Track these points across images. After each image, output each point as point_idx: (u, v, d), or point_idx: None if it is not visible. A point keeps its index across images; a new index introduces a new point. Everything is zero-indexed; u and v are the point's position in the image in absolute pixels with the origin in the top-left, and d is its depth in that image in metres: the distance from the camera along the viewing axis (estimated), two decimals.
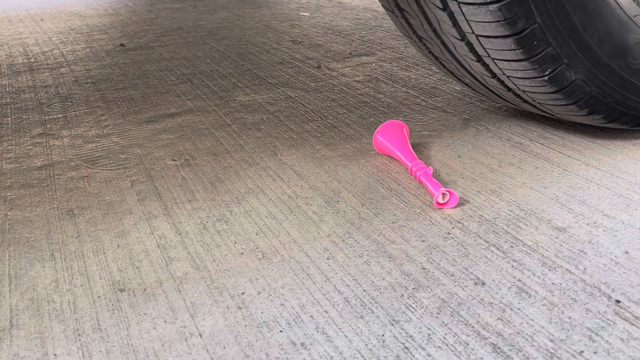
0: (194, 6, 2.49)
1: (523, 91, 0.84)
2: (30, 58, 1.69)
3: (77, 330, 0.56)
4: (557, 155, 0.84)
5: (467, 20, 0.76)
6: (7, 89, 1.39)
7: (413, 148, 0.91)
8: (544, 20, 0.73)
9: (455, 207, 0.73)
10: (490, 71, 0.84)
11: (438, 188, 0.73)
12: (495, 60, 0.80)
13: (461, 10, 0.75)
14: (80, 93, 1.33)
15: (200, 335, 0.54)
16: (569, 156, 0.84)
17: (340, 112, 1.10)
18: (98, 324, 0.57)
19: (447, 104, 1.10)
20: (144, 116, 1.15)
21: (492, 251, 0.63)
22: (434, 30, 0.85)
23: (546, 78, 0.77)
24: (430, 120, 1.02)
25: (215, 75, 1.41)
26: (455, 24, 0.78)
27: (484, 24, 0.74)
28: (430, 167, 0.79)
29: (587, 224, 0.67)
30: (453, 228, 0.68)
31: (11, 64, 1.63)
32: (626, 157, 0.82)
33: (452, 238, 0.66)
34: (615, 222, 0.67)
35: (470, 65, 0.87)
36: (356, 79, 1.31)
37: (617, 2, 0.77)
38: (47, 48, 1.81)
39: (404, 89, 1.21)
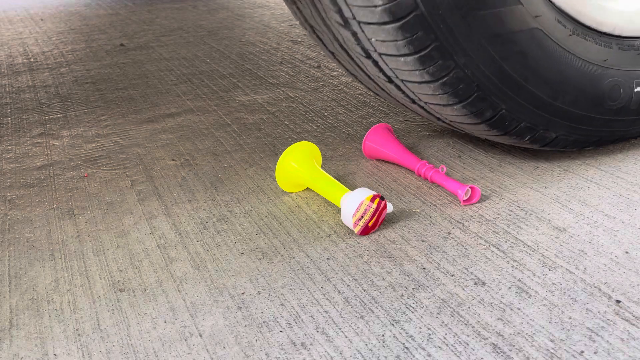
0: (194, 6, 2.49)
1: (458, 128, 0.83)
2: (30, 58, 1.69)
3: (77, 330, 0.56)
4: (557, 155, 0.84)
5: (386, 65, 0.72)
6: (7, 89, 1.39)
7: (414, 148, 0.91)
8: (483, 84, 0.71)
9: (478, 201, 0.73)
10: (410, 99, 0.80)
11: (457, 185, 0.73)
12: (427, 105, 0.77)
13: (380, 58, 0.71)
14: (80, 93, 1.33)
15: (201, 335, 0.54)
16: (569, 156, 0.84)
17: (340, 112, 1.10)
18: (98, 324, 0.57)
19: None
20: (144, 116, 1.15)
21: (492, 251, 0.63)
22: (345, 50, 0.80)
23: (508, 137, 0.77)
24: (430, 120, 1.02)
25: (215, 75, 1.41)
26: (359, 42, 0.73)
27: (406, 72, 0.71)
28: (442, 165, 0.79)
29: (587, 224, 0.67)
30: (453, 228, 0.68)
31: (11, 64, 1.63)
32: (626, 157, 0.82)
33: (452, 238, 0.66)
34: (615, 222, 0.67)
35: (390, 92, 0.83)
36: None
37: (584, 58, 0.74)
38: (47, 48, 1.81)
39: None
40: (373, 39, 0.68)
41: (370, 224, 0.67)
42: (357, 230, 0.67)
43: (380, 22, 0.66)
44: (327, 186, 0.73)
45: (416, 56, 0.67)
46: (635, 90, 0.77)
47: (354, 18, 0.68)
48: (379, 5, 0.64)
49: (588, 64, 0.74)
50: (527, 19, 0.69)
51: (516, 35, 0.69)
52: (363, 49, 0.72)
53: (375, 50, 0.70)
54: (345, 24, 0.70)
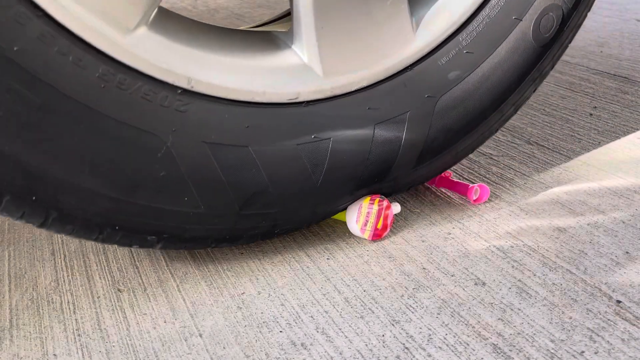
0: (193, 6, 2.49)
1: None
2: None
3: (77, 330, 0.56)
4: (557, 156, 0.84)
5: None
6: None
7: None
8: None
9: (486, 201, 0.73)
10: None
11: (465, 186, 0.73)
12: None
13: None
14: None
15: (201, 335, 0.54)
16: (569, 156, 0.84)
17: None
18: (98, 324, 0.57)
19: None
20: None
21: (492, 251, 0.63)
22: None
23: None
24: None
25: None
26: None
27: None
28: (448, 170, 0.77)
29: (588, 224, 0.67)
30: (453, 228, 0.68)
31: None
32: (626, 157, 0.82)
33: (452, 238, 0.67)
34: (615, 222, 0.67)
35: None
36: None
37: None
38: None
39: None
40: None
41: (378, 227, 0.66)
42: (367, 235, 0.66)
43: None
44: None
45: None
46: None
47: None
48: None
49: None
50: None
51: None
52: None
53: None
54: None
